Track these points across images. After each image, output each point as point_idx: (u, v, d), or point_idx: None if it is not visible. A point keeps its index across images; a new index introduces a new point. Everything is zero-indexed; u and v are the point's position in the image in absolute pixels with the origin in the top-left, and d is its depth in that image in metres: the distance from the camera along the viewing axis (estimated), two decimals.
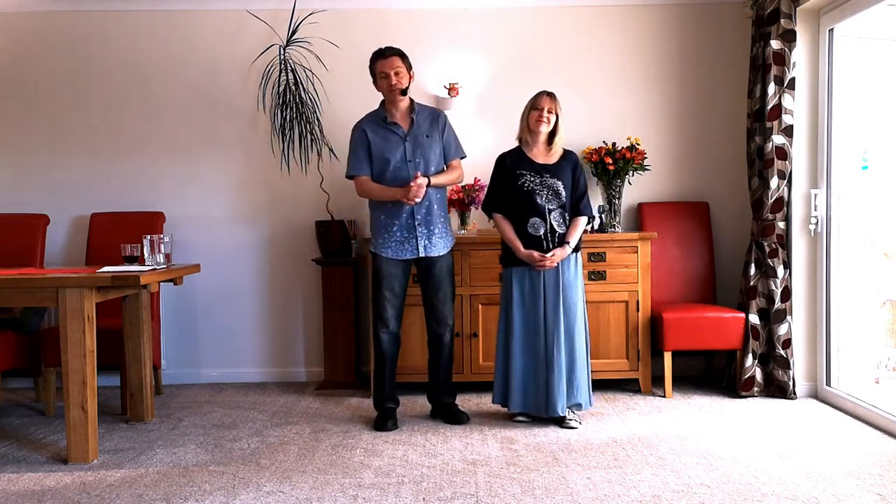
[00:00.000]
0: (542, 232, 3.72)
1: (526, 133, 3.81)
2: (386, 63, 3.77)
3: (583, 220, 3.80)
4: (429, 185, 3.74)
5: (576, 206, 3.79)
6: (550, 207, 3.73)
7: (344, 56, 4.75)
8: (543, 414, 3.71)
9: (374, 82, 3.86)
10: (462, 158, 3.98)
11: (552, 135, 3.78)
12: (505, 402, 3.84)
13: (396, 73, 3.76)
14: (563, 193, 3.74)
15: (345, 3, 4.79)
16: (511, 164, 3.81)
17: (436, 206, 3.84)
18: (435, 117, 3.92)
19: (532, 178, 3.75)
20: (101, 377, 4.40)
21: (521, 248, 3.73)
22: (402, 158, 3.80)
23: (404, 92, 3.80)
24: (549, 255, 3.68)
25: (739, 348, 4.31)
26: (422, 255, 3.81)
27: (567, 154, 3.83)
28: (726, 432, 3.65)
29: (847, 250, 4.23)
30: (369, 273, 4.13)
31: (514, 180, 3.77)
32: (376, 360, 3.92)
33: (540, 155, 3.80)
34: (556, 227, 3.73)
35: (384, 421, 3.79)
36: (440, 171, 3.87)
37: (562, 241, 3.72)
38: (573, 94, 4.74)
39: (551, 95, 3.78)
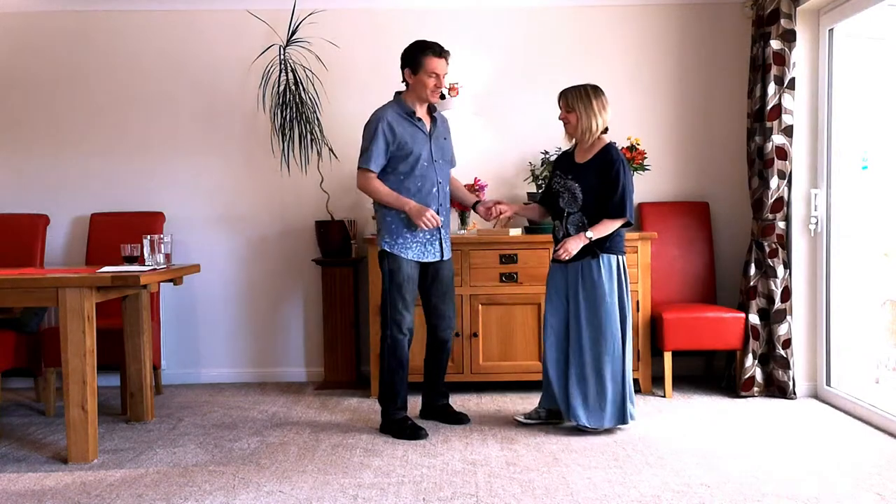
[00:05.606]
0: (560, 235, 3.67)
1: (566, 139, 3.72)
2: (439, 64, 3.59)
3: (610, 221, 3.53)
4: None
5: (602, 207, 3.54)
6: (570, 211, 3.61)
7: (344, 56, 4.75)
8: (567, 419, 3.67)
9: (413, 73, 3.62)
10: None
11: (581, 131, 3.60)
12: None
13: (444, 76, 3.66)
14: (580, 197, 3.55)
15: (345, 3, 4.79)
16: (556, 163, 3.79)
17: (446, 211, 3.80)
18: (444, 120, 3.88)
19: (559, 180, 3.68)
20: (101, 377, 4.39)
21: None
22: (429, 157, 3.68)
23: (443, 96, 3.73)
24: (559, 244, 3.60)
25: (739, 348, 4.31)
26: (445, 257, 3.74)
27: (602, 151, 3.58)
28: (726, 432, 3.65)
29: (847, 250, 4.23)
30: (377, 273, 3.97)
31: (551, 180, 3.77)
32: (394, 366, 3.65)
33: (579, 154, 3.68)
34: (570, 231, 3.61)
35: (416, 430, 3.60)
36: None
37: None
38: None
39: (564, 95, 3.61)
